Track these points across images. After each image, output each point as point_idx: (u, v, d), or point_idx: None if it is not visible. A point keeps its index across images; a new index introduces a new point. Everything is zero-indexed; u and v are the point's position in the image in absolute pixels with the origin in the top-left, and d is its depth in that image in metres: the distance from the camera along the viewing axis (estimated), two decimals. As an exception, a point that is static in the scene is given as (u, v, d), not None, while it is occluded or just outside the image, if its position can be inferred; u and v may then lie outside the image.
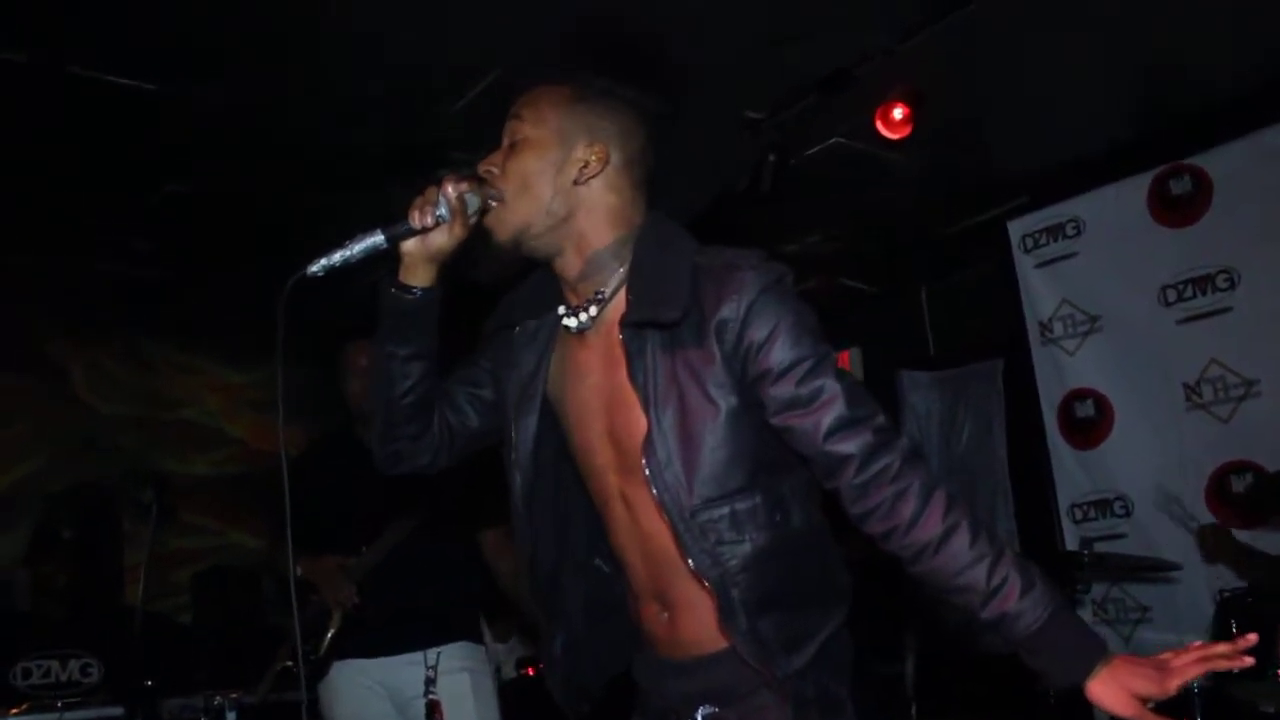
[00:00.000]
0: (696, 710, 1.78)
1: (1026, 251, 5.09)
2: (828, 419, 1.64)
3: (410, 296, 1.79)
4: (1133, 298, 4.66)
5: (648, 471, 1.69)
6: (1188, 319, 4.49)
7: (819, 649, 1.72)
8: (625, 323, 1.72)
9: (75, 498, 5.32)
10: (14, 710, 3.69)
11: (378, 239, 1.73)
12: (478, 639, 3.56)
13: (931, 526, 1.61)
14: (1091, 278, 4.83)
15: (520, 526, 1.90)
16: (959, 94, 4.25)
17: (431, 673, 3.37)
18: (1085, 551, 3.80)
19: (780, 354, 1.65)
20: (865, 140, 4.42)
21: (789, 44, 3.75)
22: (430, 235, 1.74)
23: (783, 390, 1.66)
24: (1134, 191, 4.68)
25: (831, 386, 1.65)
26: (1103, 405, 4.76)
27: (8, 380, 5.50)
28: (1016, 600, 1.58)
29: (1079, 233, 4.89)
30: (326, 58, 3.82)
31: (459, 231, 1.75)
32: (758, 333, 1.65)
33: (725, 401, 1.69)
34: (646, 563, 1.81)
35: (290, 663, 3.39)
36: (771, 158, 4.17)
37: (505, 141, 1.81)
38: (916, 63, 3.91)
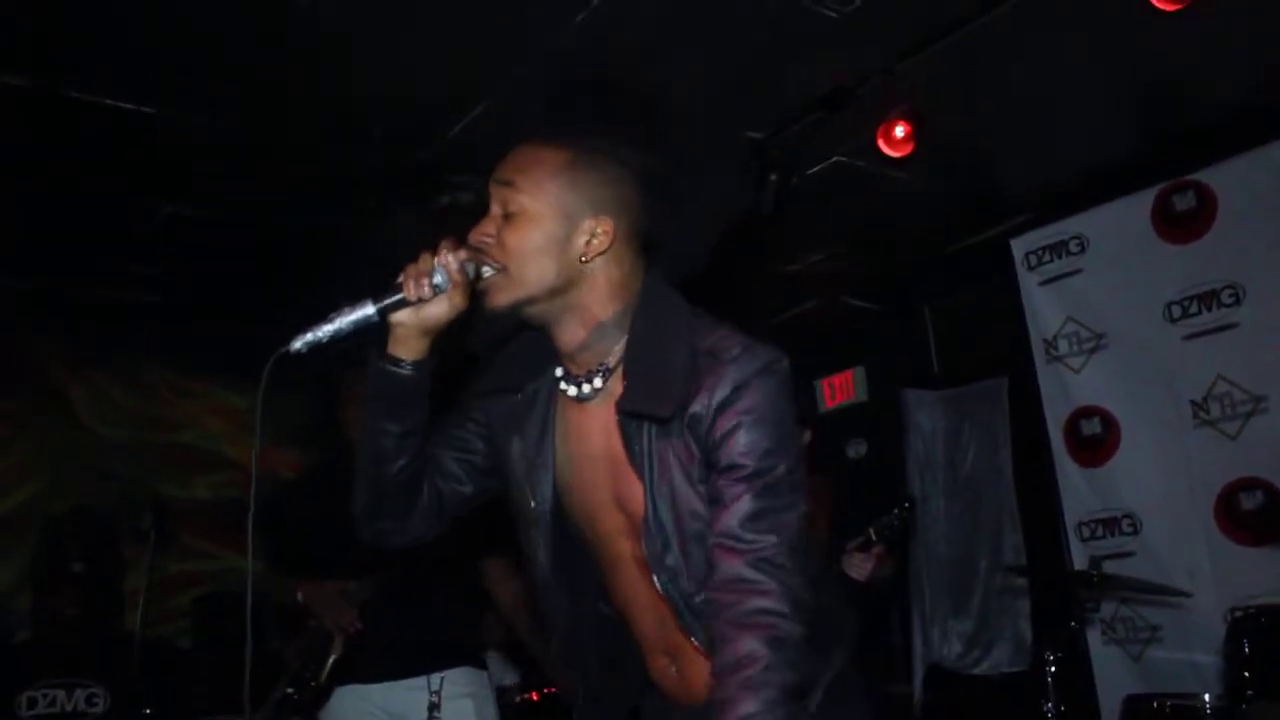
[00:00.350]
0: None
1: (1030, 269, 5.05)
2: (726, 522, 1.62)
3: (404, 371, 1.73)
4: (1138, 314, 4.62)
5: (647, 557, 1.69)
6: (1193, 335, 4.45)
7: (825, 693, 1.73)
8: (620, 407, 1.69)
9: (76, 523, 5.28)
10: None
11: (368, 311, 1.66)
12: (480, 664, 3.54)
13: (751, 702, 1.54)
14: (1096, 295, 4.79)
15: (548, 594, 1.87)
16: (960, 112, 4.23)
17: (435, 698, 3.34)
18: (1094, 572, 3.75)
19: (730, 453, 1.62)
20: (867, 159, 4.40)
21: (789, 64, 3.74)
22: (425, 306, 1.68)
23: (717, 482, 1.64)
24: (1138, 207, 4.64)
25: (760, 506, 1.61)
26: (1109, 423, 4.72)
27: (7, 405, 5.48)
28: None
29: (1083, 249, 4.85)
30: (325, 82, 3.81)
31: (459, 302, 1.69)
32: (721, 428, 1.63)
33: (706, 488, 1.67)
34: (654, 619, 1.81)
35: (291, 689, 3.35)
36: (773, 177, 4.15)
37: (496, 209, 1.74)
38: (917, 81, 3.89)
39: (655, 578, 1.71)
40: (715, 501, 1.63)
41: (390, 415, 1.76)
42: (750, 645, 1.55)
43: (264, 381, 1.69)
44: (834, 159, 4.49)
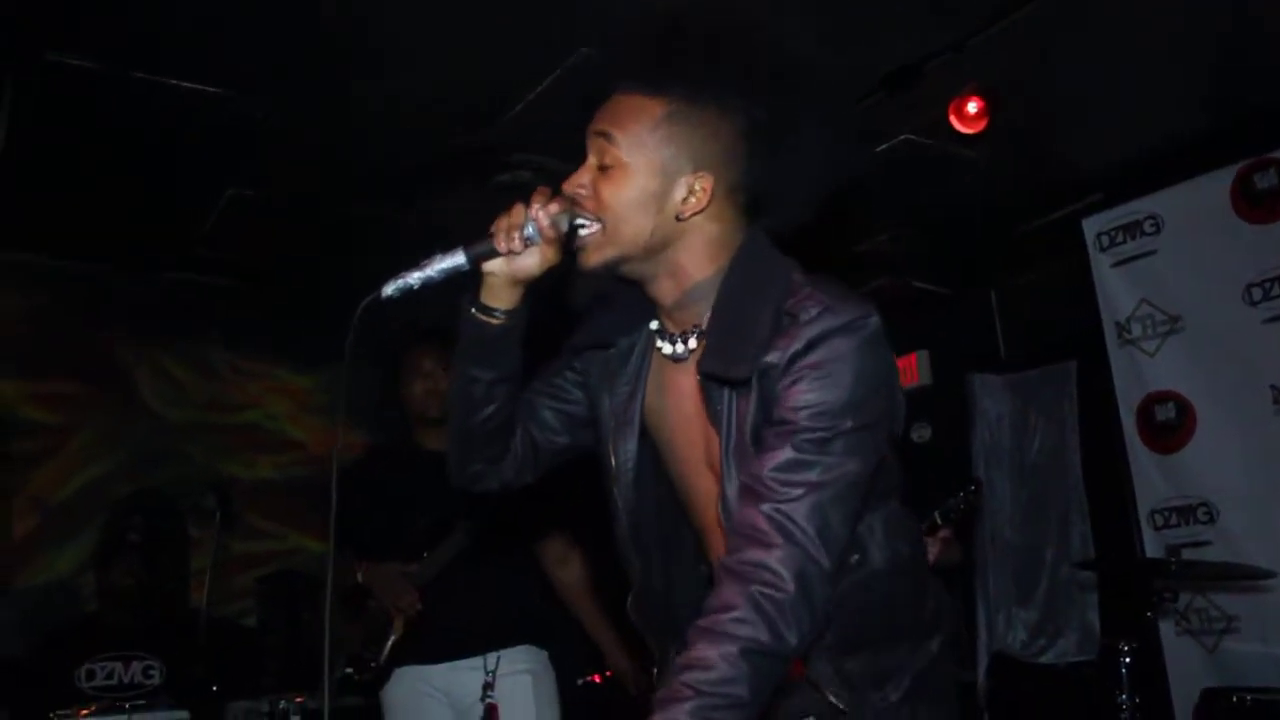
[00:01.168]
0: None
1: (1102, 250, 4.93)
2: (764, 468, 1.54)
3: (495, 320, 1.72)
4: (1216, 297, 4.49)
5: (723, 518, 1.63)
6: (1274, 318, 4.31)
7: (913, 681, 1.66)
8: (699, 369, 1.65)
9: (141, 503, 5.35)
10: (84, 711, 3.70)
11: (459, 260, 1.65)
12: (541, 643, 3.51)
13: (707, 648, 1.46)
14: (1172, 276, 4.66)
15: (627, 552, 1.84)
16: (1031, 89, 4.13)
17: (490, 677, 3.33)
18: (1172, 559, 3.65)
19: (785, 407, 1.54)
20: (937, 136, 4.31)
21: (857, 41, 3.66)
22: (517, 258, 1.66)
23: (765, 433, 1.57)
24: (1216, 187, 4.50)
25: (796, 458, 1.51)
26: (1184, 408, 4.59)
27: (74, 387, 5.55)
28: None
29: (1158, 230, 4.72)
30: (388, 64, 3.79)
31: (551, 256, 1.67)
32: (784, 383, 1.56)
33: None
34: None
35: (350, 669, 3.36)
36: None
37: (592, 159, 1.70)
38: (987, 58, 3.80)
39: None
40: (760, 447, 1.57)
41: (480, 362, 1.75)
42: (730, 595, 1.48)
43: (353, 330, 1.68)
44: (903, 137, 4.40)
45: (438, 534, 3.32)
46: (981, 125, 3.98)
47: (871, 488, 1.61)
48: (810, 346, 1.54)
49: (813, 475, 1.51)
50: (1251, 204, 4.40)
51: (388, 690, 3.40)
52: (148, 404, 5.74)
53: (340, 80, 3.88)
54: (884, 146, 4.45)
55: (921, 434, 6.25)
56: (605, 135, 1.67)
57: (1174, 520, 4.59)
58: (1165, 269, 4.69)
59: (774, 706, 1.68)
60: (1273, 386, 4.29)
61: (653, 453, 1.81)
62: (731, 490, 1.61)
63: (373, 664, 3.39)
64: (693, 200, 1.66)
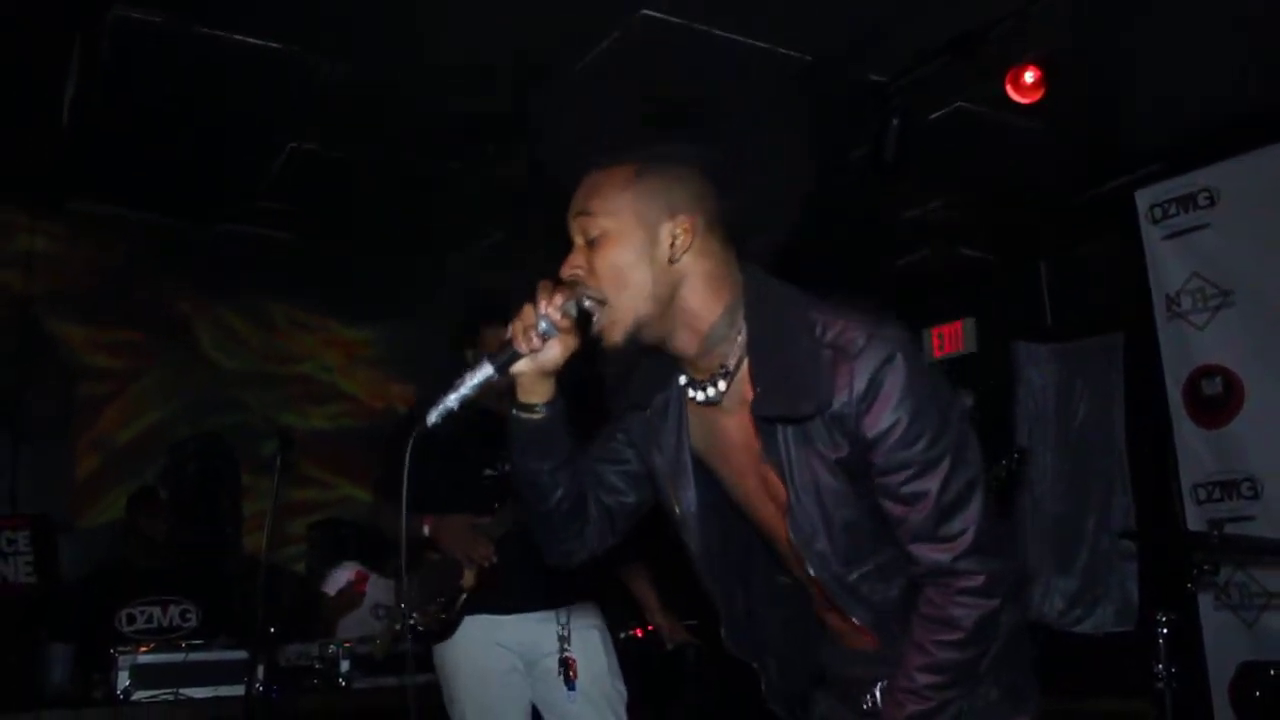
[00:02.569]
0: (875, 687, 1.83)
1: (1155, 222, 4.90)
2: (914, 522, 1.67)
3: (538, 415, 1.81)
4: (1269, 272, 4.46)
5: (796, 543, 1.74)
6: (1328, 295, 4.30)
7: (998, 651, 1.73)
8: (756, 414, 1.72)
9: (198, 448, 5.49)
10: (143, 649, 3.84)
11: (488, 372, 1.72)
12: (598, 597, 3.58)
13: (920, 632, 1.68)
14: (1225, 250, 4.63)
15: (709, 587, 1.93)
16: (1088, 58, 4.10)
17: (564, 630, 3.39)
18: (1215, 533, 3.66)
19: (891, 452, 1.65)
20: (991, 105, 4.30)
21: (918, 5, 3.66)
22: (540, 354, 1.73)
23: (889, 481, 1.67)
24: (1273, 161, 4.46)
25: (930, 496, 1.65)
26: (1232, 383, 4.58)
27: (136, 335, 5.70)
28: (892, 706, 1.71)
29: (1212, 203, 4.69)
30: (453, 22, 3.83)
31: (571, 343, 1.74)
32: (873, 425, 1.65)
33: (858, 487, 1.71)
34: (822, 593, 1.86)
35: (413, 620, 3.42)
36: (895, 122, 4.08)
37: (578, 240, 1.77)
38: (1047, 25, 3.78)
39: (806, 562, 1.76)
40: (892, 497, 1.67)
41: (539, 456, 1.84)
42: (958, 613, 1.66)
43: (408, 460, 1.78)
44: (957, 104, 4.39)
45: (509, 487, 3.37)
46: (1038, 95, 3.96)
47: None
48: (874, 383, 1.63)
49: (967, 507, 1.66)
50: (1311, 178, 4.37)
51: (453, 641, 3.42)
52: (207, 353, 5.88)
53: (403, 36, 3.93)
54: (939, 114, 4.44)
55: (964, 401, 6.26)
56: (585, 213, 1.75)
57: (1217, 495, 4.60)
58: (1218, 242, 4.66)
59: (856, 676, 1.87)
60: (1323, 363, 4.28)
61: (712, 490, 1.90)
62: (802, 516, 1.72)
63: (443, 615, 3.42)
64: (678, 242, 1.73)
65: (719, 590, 1.93)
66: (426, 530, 3.38)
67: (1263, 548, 4.13)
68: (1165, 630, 3.60)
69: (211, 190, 5.32)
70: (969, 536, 1.65)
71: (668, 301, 1.74)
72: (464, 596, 3.38)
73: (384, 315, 6.17)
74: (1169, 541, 4.53)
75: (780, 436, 1.71)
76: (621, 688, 3.49)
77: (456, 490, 3.40)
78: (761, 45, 3.92)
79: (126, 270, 5.66)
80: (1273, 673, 3.47)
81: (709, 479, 1.90)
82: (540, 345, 1.72)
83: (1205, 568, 3.70)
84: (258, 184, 5.16)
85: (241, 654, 3.82)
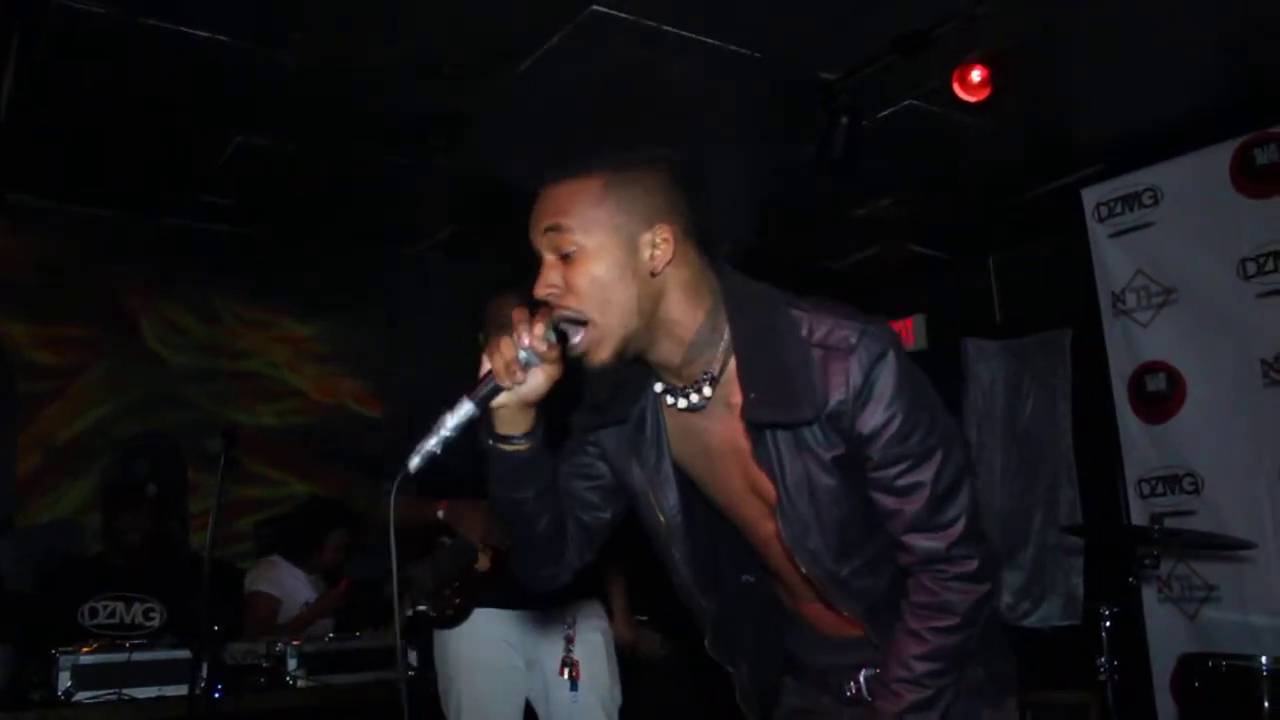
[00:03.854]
0: (859, 673, 1.86)
1: (1100, 220, 4.97)
2: (909, 513, 1.69)
3: (520, 448, 1.74)
4: (1211, 270, 4.54)
5: (787, 541, 1.74)
6: (1268, 293, 4.36)
7: (980, 633, 1.74)
8: (749, 421, 1.69)
9: (145, 446, 5.42)
10: (85, 649, 3.78)
11: (468, 410, 1.64)
12: (601, 598, 3.55)
13: (914, 620, 1.71)
14: (1168, 248, 4.70)
15: (693, 596, 1.92)
16: (1036, 58, 4.14)
17: (570, 631, 3.36)
18: (1156, 527, 3.72)
19: (886, 447, 1.66)
20: (940, 103, 4.33)
21: (866, 4, 3.67)
22: (521, 386, 1.66)
23: (882, 475, 1.69)
24: (1216, 160, 4.54)
25: (925, 488, 1.67)
26: (1175, 379, 4.66)
27: (80, 330, 5.60)
28: (887, 700, 1.72)
29: (1156, 202, 4.76)
30: (397, 17, 3.80)
31: (554, 372, 1.67)
32: (868, 421, 1.65)
33: (851, 482, 1.71)
34: (804, 585, 1.85)
35: (424, 606, 3.36)
36: (844, 120, 4.10)
37: (550, 256, 1.69)
38: (993, 25, 3.81)
39: (797, 559, 1.77)
40: (886, 490, 1.69)
41: (520, 486, 1.79)
42: (954, 598, 1.68)
43: (391, 502, 1.71)
44: (906, 102, 4.42)
45: None
46: (985, 94, 4.00)
47: None
48: (870, 380, 1.64)
49: (958, 495, 1.69)
50: (1250, 178, 4.44)
51: (458, 631, 3.35)
52: (152, 349, 5.79)
53: (350, 31, 3.90)
54: (888, 112, 4.46)
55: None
56: (555, 228, 1.67)
57: (1160, 489, 4.67)
58: (1162, 241, 4.73)
59: (832, 663, 1.91)
60: (1263, 361, 4.35)
61: (694, 498, 1.88)
62: (793, 514, 1.73)
63: (456, 600, 3.35)
64: (659, 253, 1.68)
65: (702, 594, 1.91)
66: (441, 514, 3.33)
67: (1203, 542, 4.20)
68: (1109, 623, 3.66)
69: (157, 184, 5.24)
70: (961, 524, 1.68)
71: (651, 314, 1.69)
72: (476, 584, 3.32)
73: (333, 311, 6.11)
74: (1113, 536, 4.59)
75: (771, 440, 1.70)
76: (618, 694, 3.45)
77: (473, 476, 3.36)
78: (710, 42, 3.91)
79: (69, 265, 5.56)
80: (1211, 664, 3.52)
81: (688, 483, 1.88)
82: (523, 378, 1.64)
83: (1147, 561, 3.77)
84: (204, 178, 5.09)
85: (185, 653, 3.77)
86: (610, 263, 1.66)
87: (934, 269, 6.38)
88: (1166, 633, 4.57)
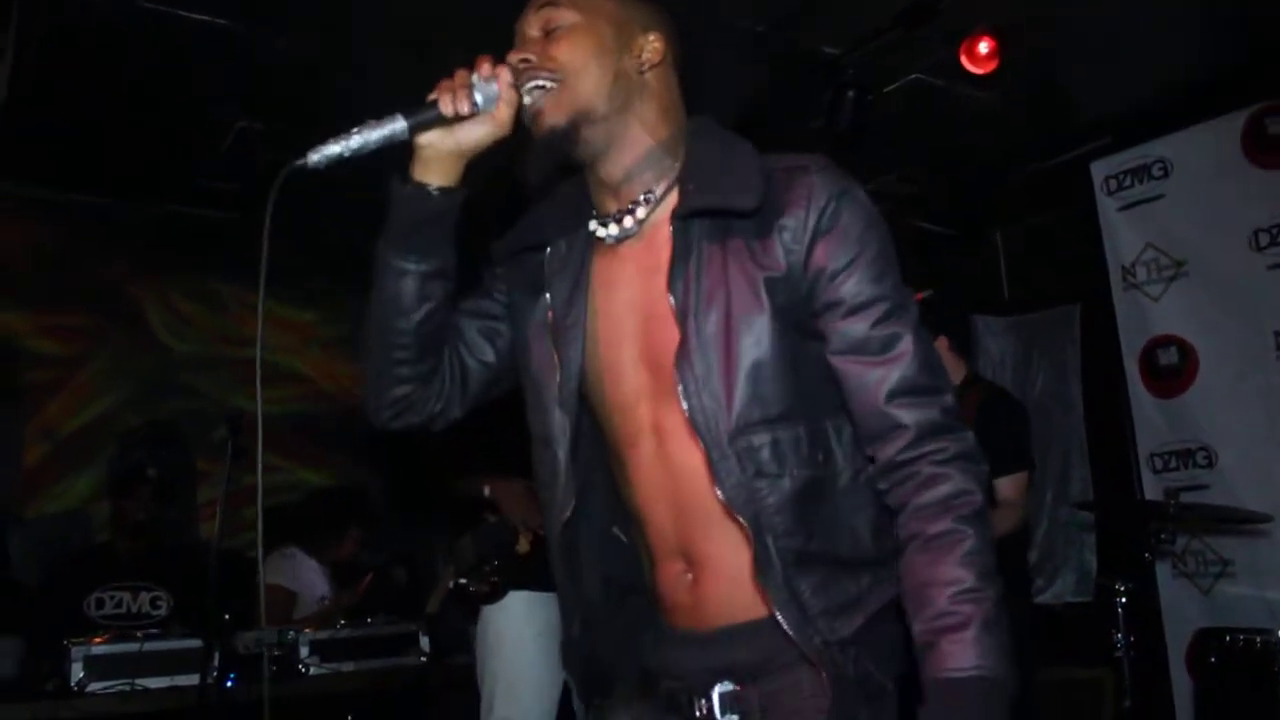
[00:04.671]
0: (712, 688, 1.52)
1: (1109, 194, 4.93)
2: (894, 376, 1.45)
3: (431, 196, 1.54)
4: (1222, 242, 4.49)
5: (681, 388, 1.47)
6: (1280, 264, 4.33)
7: (866, 623, 1.47)
8: (680, 213, 1.51)
9: (151, 435, 5.40)
10: (96, 640, 3.76)
11: (398, 126, 1.48)
12: None
13: (936, 522, 1.41)
14: (1179, 221, 4.66)
15: (555, 482, 1.61)
16: (1042, 29, 4.09)
17: None
18: (1171, 501, 3.69)
19: (858, 286, 1.46)
20: (946, 77, 4.29)
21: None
22: (461, 126, 1.51)
23: (854, 328, 1.46)
24: (1227, 131, 4.48)
25: (908, 340, 1.46)
26: (1187, 352, 4.62)
27: (84, 319, 5.58)
28: (956, 642, 1.35)
29: (1166, 174, 4.71)
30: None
31: (504, 123, 1.52)
32: (834, 255, 1.46)
33: (775, 308, 1.46)
34: (672, 509, 1.56)
35: (464, 580, 3.33)
36: (850, 94, 4.06)
37: (536, 32, 1.57)
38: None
39: (684, 406, 1.47)
40: (856, 347, 1.46)
41: (413, 249, 1.56)
42: (966, 482, 1.43)
43: (270, 202, 1.52)
44: (913, 76, 4.37)
45: None
46: (992, 66, 3.95)
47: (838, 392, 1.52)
48: (838, 203, 1.46)
49: (936, 357, 1.49)
50: (1261, 149, 4.39)
51: (501, 606, 3.31)
52: (156, 337, 5.77)
53: (348, 13, 3.85)
54: (894, 86, 4.42)
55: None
56: (550, 3, 1.56)
57: (1173, 464, 4.64)
58: (1172, 213, 4.69)
59: (686, 669, 1.58)
60: (1276, 333, 4.31)
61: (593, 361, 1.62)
62: (698, 348, 1.47)
63: (494, 578, 3.32)
64: (649, 55, 1.57)
65: (568, 500, 1.59)
66: (487, 491, 3.31)
67: (1218, 516, 4.18)
68: (1124, 599, 3.64)
69: (157, 170, 5.20)
70: (949, 391, 1.49)
71: (621, 108, 1.55)
72: (516, 561, 3.29)
73: (335, 297, 6.08)
74: (1127, 511, 4.56)
75: (696, 245, 1.50)
76: None
77: (520, 456, 3.32)
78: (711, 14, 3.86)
79: (71, 254, 5.53)
80: (1228, 639, 3.50)
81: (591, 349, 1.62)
82: (468, 110, 1.48)
83: (1162, 537, 3.75)
84: (204, 163, 5.05)
85: (195, 642, 3.76)
86: (597, 41, 1.54)
87: (941, 245, 6.33)
88: (1181, 608, 4.54)
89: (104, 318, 5.62)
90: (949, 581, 1.38)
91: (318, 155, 1.48)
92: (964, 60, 3.96)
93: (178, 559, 4.73)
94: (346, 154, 1.47)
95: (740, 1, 3.83)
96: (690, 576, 1.56)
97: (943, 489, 1.42)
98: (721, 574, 1.53)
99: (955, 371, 4.07)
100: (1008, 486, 3.69)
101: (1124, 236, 4.87)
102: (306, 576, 4.95)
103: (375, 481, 5.70)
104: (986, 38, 3.92)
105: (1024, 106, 4.75)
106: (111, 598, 4.50)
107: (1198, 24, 4.13)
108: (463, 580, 3.34)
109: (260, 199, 1.55)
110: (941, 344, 3.93)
